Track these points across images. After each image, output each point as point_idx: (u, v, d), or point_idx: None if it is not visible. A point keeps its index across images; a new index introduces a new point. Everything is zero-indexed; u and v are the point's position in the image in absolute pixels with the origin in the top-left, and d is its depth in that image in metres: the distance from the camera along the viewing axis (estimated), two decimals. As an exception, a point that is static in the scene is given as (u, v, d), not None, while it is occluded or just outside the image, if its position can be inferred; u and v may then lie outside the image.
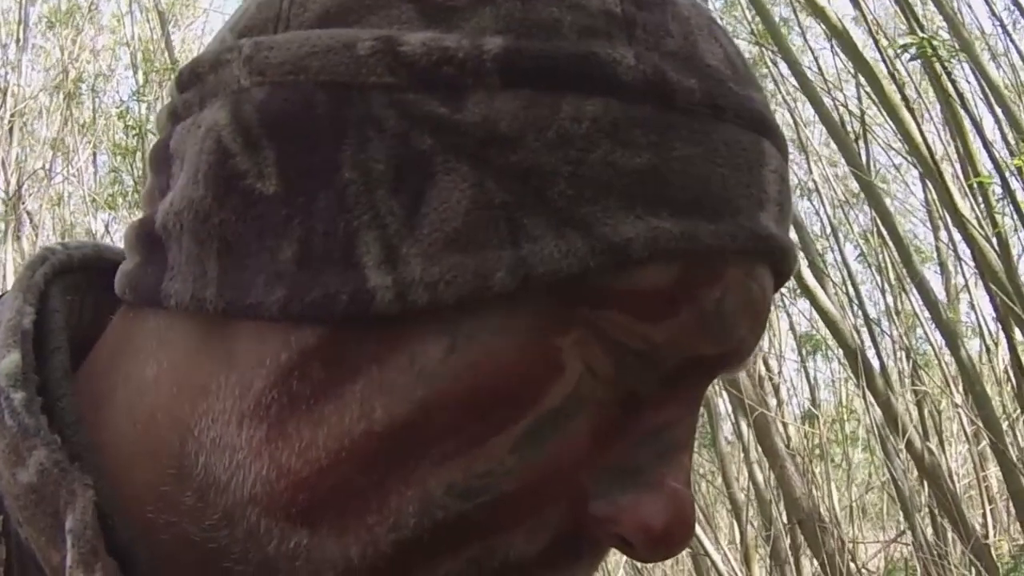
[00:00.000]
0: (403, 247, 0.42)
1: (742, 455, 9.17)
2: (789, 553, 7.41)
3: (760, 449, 7.43)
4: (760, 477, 8.62)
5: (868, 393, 5.81)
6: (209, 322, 0.45)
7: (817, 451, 8.63)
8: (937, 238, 10.41)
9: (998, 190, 5.39)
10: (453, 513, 0.42)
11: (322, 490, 0.42)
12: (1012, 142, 5.58)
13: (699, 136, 0.44)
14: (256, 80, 0.44)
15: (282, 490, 0.43)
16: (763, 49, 8.18)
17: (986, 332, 8.35)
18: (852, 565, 6.25)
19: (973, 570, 5.32)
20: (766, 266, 0.46)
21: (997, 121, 5.67)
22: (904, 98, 5.66)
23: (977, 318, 8.07)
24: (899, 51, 4.98)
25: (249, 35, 0.46)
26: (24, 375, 0.45)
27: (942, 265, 10.62)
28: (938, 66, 5.30)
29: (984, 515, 7.44)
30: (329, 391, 0.42)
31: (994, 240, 5.35)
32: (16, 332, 0.47)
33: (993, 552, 5.84)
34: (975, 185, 5.53)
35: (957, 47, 5.47)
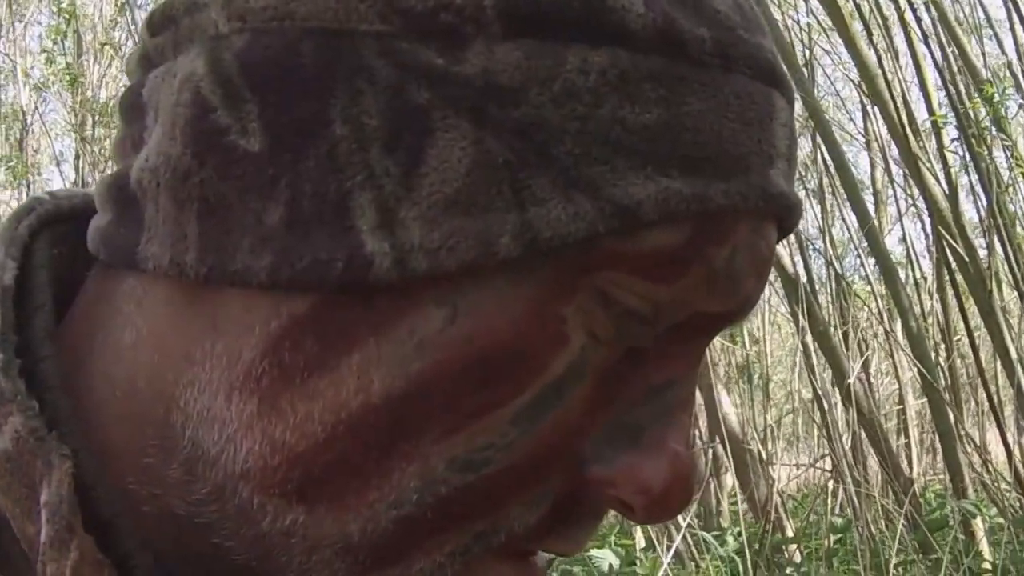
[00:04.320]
0: (400, 210, 0.39)
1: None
2: (712, 471, 7.54)
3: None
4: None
5: (804, 323, 5.84)
6: (191, 286, 0.42)
7: (744, 372, 8.78)
8: (873, 168, 10.52)
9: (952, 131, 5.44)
10: (455, 487, 0.41)
11: (319, 466, 0.41)
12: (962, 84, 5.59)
13: (710, 90, 0.41)
14: (236, 26, 0.41)
15: (276, 466, 0.41)
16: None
17: (915, 267, 8.45)
18: (773, 487, 6.38)
19: (893, 500, 5.45)
20: (774, 223, 0.45)
21: (947, 59, 5.67)
22: (867, 28, 5.64)
23: (908, 251, 8.15)
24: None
25: None
26: (2, 335, 0.43)
27: (876, 195, 10.74)
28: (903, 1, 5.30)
29: (908, 447, 7.65)
30: (324, 363, 0.40)
31: (943, 180, 5.41)
32: None
33: (917, 489, 6.00)
34: (929, 123, 5.57)
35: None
